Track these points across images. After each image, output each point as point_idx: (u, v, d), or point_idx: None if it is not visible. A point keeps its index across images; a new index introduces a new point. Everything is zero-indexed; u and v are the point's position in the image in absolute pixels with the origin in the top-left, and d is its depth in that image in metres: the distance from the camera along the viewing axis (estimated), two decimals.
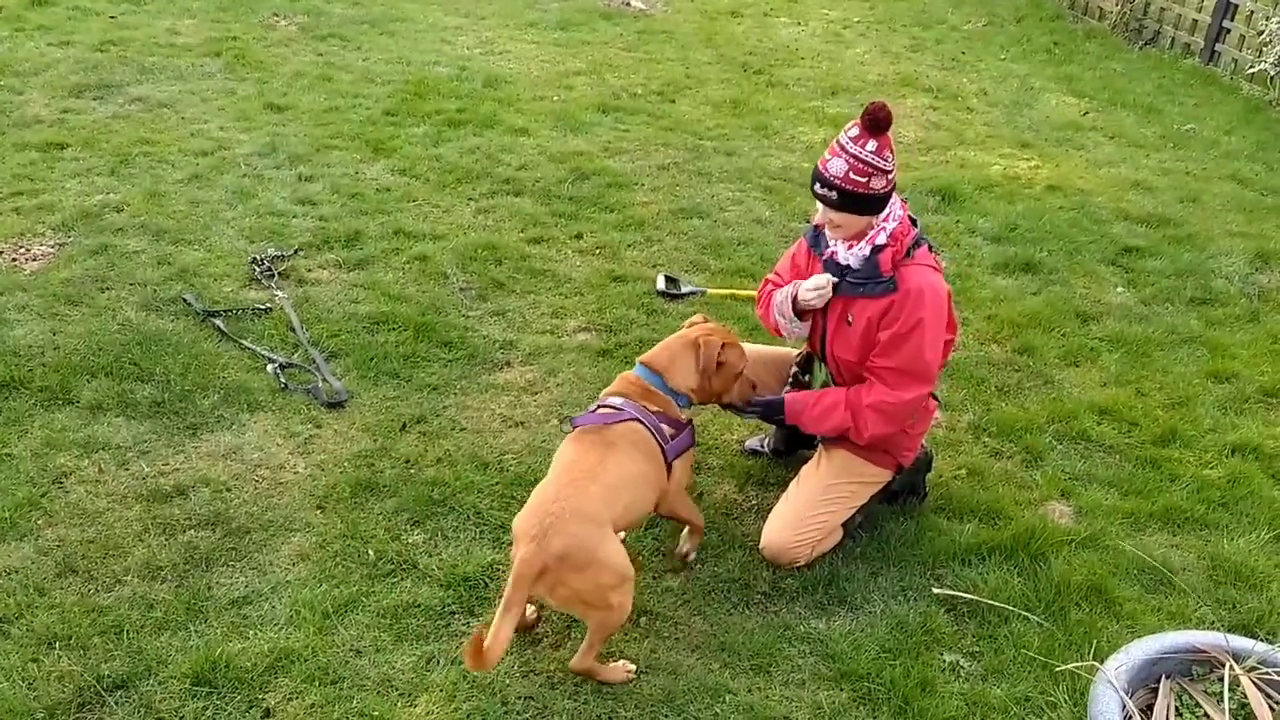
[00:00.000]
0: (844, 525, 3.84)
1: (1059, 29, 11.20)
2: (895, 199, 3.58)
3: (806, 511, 3.74)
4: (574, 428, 3.47)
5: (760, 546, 3.77)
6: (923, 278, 3.53)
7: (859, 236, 3.56)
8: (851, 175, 3.42)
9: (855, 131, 3.43)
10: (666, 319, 5.22)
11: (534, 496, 3.27)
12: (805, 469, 3.91)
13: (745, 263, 5.82)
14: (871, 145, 3.41)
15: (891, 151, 3.45)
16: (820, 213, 3.60)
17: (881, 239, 3.54)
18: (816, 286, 3.66)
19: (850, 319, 3.64)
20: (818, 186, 3.52)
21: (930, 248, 3.64)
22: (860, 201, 3.47)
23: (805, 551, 3.73)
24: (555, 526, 3.08)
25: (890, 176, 3.47)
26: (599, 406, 3.55)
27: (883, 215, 3.54)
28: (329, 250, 5.65)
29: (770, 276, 3.98)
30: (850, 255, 3.58)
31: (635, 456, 3.40)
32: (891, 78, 9.27)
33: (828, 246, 3.69)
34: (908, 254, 3.53)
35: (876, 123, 3.41)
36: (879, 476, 3.84)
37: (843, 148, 3.44)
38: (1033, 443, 4.51)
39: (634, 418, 3.47)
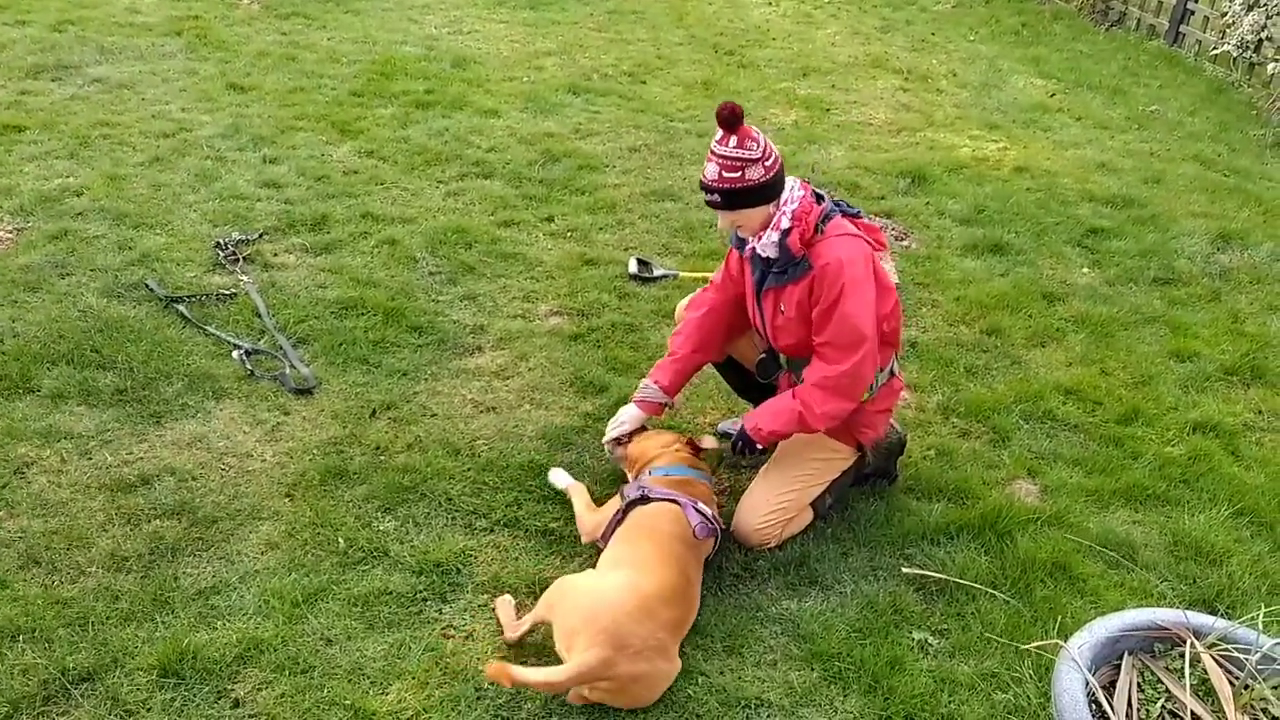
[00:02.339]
0: (814, 507, 3.87)
1: (1027, 10, 11.24)
2: (792, 182, 3.61)
3: (773, 493, 3.77)
4: (699, 534, 3.49)
5: (730, 530, 3.78)
6: (835, 250, 3.53)
7: (765, 226, 3.59)
8: (723, 174, 3.49)
9: (719, 134, 3.50)
10: (638, 302, 5.21)
11: (628, 586, 3.19)
12: (768, 464, 3.94)
13: (717, 245, 5.81)
14: (732, 141, 3.46)
15: (755, 140, 3.48)
16: (719, 220, 3.66)
17: (785, 223, 3.56)
18: (616, 422, 3.90)
19: (783, 308, 3.66)
20: (704, 195, 3.59)
21: (849, 214, 3.65)
22: (743, 195, 3.51)
23: (774, 533, 3.76)
24: (644, 656, 3.07)
25: (766, 163, 3.49)
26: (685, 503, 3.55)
27: (781, 200, 3.57)
28: (295, 234, 5.60)
29: (712, 282, 3.99)
30: (763, 246, 3.60)
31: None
32: (862, 59, 9.27)
33: (747, 244, 3.70)
34: (816, 230, 3.54)
35: (727, 120, 3.46)
36: (840, 452, 3.85)
37: (711, 152, 3.52)
38: (1000, 423, 4.54)
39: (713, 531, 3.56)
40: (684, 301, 4.18)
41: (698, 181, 3.78)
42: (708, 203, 3.60)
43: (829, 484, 3.87)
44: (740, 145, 3.46)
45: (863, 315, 3.52)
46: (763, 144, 3.49)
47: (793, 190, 3.59)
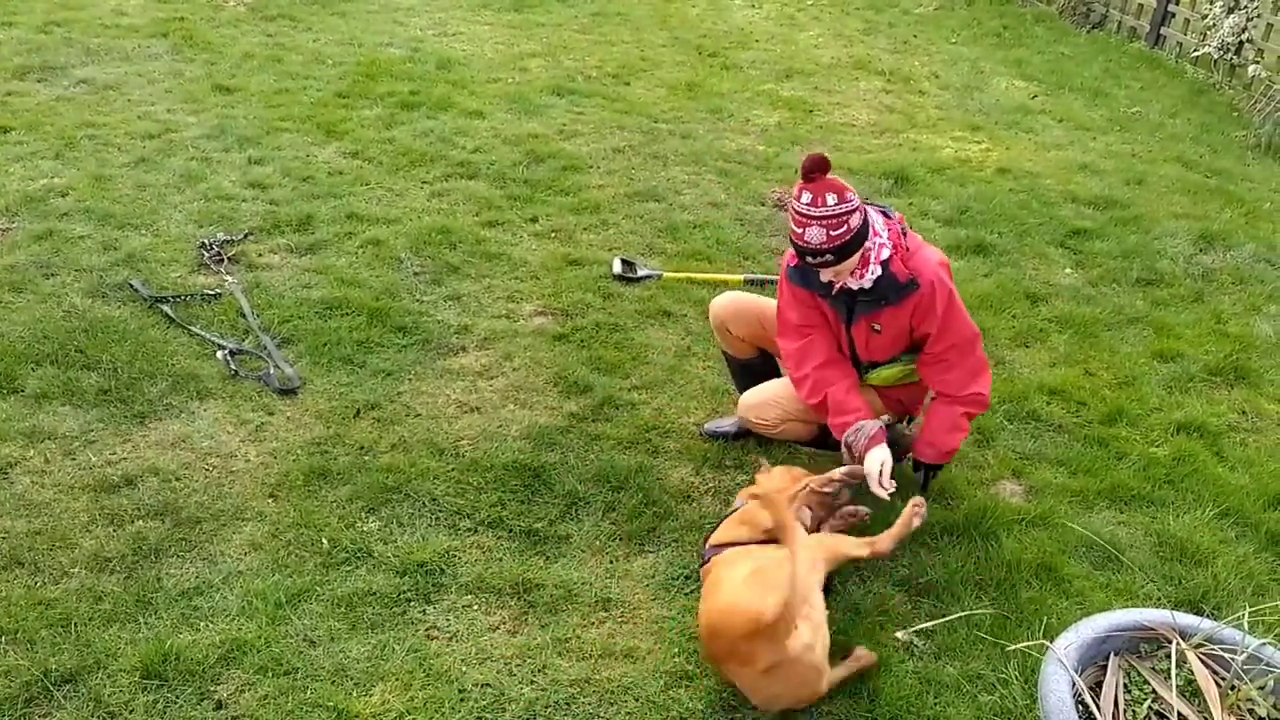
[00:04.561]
0: (820, 428, 3.91)
1: (1008, 13, 11.29)
2: (868, 210, 3.56)
3: (786, 391, 3.89)
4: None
5: (739, 403, 3.99)
6: (926, 259, 3.59)
7: (863, 264, 3.54)
8: (831, 234, 3.40)
9: (808, 196, 3.39)
10: (623, 302, 5.21)
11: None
12: None
13: (701, 246, 5.82)
14: (831, 199, 3.37)
15: (844, 185, 3.42)
16: (824, 274, 3.56)
17: (885, 253, 3.53)
18: (879, 467, 3.65)
19: (878, 328, 3.66)
20: (810, 259, 3.48)
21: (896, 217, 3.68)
22: (852, 245, 3.46)
23: (775, 414, 3.94)
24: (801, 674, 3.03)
25: (859, 205, 3.44)
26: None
27: (871, 234, 3.53)
28: (280, 234, 5.59)
29: (796, 336, 3.80)
30: (863, 282, 3.56)
31: None
32: (844, 60, 9.30)
33: (818, 278, 3.62)
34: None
35: (817, 169, 3.37)
36: (875, 404, 3.89)
37: (807, 216, 3.40)
38: (984, 423, 4.55)
39: None
40: (722, 312, 4.13)
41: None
42: (813, 265, 3.50)
43: None
44: (840, 199, 3.38)
45: (966, 314, 3.67)
46: (849, 186, 3.43)
47: (874, 220, 3.55)
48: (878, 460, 3.62)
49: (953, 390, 3.73)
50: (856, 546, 3.41)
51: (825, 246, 3.42)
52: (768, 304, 4.10)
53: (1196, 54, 9.56)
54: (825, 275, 3.58)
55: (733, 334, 4.14)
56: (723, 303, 4.16)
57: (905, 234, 3.61)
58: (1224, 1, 9.32)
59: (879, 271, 3.54)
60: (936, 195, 6.66)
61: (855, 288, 3.59)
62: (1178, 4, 9.95)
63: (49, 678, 3.08)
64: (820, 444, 4.05)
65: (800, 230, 3.44)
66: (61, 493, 3.78)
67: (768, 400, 3.96)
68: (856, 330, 3.72)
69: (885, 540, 3.38)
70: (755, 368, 4.19)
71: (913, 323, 3.63)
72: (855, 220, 3.43)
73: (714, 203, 6.36)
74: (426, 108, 7.31)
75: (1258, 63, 9.01)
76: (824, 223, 3.39)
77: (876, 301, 3.60)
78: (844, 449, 3.73)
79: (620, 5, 10.30)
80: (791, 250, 3.66)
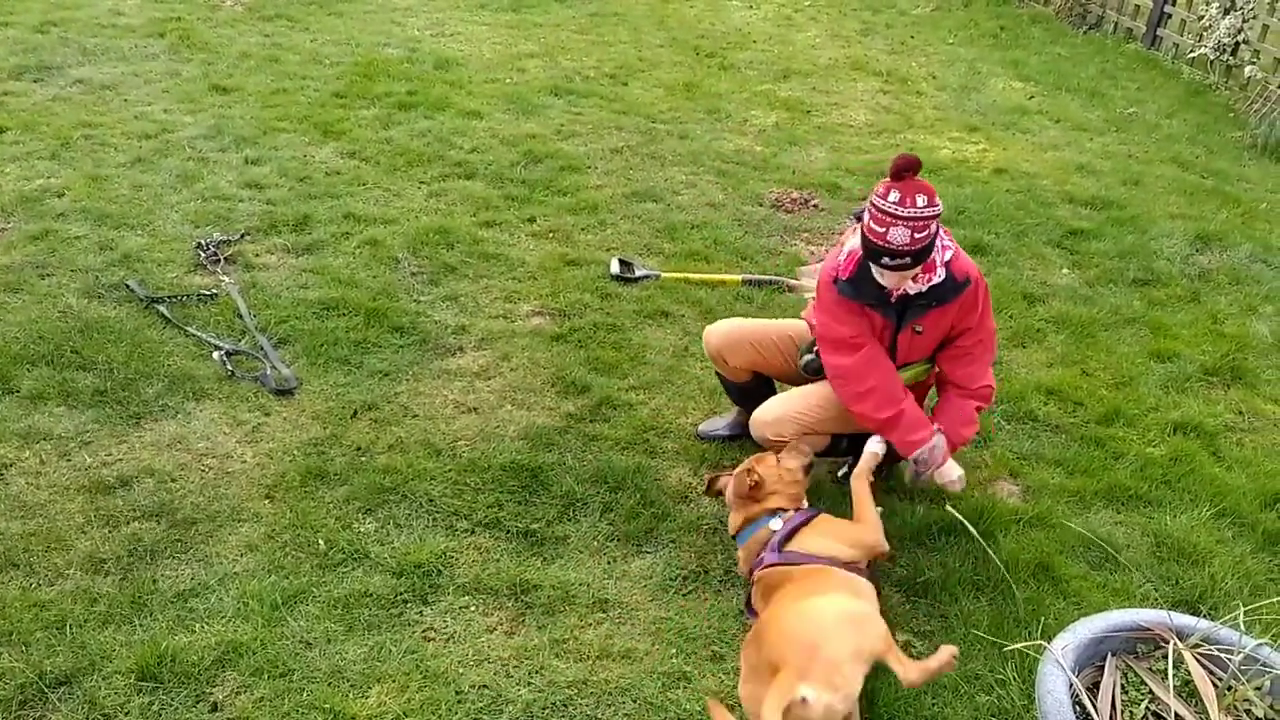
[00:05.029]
0: (833, 437, 3.90)
1: (1005, 14, 11.29)
2: None
3: (811, 400, 3.82)
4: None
5: (752, 419, 3.89)
6: (966, 256, 3.60)
7: (928, 268, 3.48)
8: (916, 235, 3.30)
9: (896, 195, 3.27)
10: (620, 303, 5.21)
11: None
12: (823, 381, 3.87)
13: (699, 246, 5.81)
14: (921, 200, 3.27)
15: (932, 187, 3.33)
16: (889, 278, 3.45)
17: (948, 254, 3.49)
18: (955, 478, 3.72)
19: (920, 329, 3.62)
20: (887, 260, 3.36)
21: None
22: (929, 249, 3.39)
23: (793, 429, 3.76)
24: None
25: (941, 208, 3.37)
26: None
27: (940, 236, 3.49)
28: (277, 235, 5.58)
29: (850, 350, 3.62)
30: (921, 286, 3.50)
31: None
32: (842, 61, 9.29)
33: (872, 286, 3.54)
34: None
35: (910, 169, 3.28)
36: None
37: (894, 216, 3.28)
38: (982, 423, 4.52)
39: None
40: (717, 341, 4.08)
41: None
42: (888, 266, 3.38)
43: (850, 429, 3.86)
44: (930, 202, 3.28)
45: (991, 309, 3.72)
46: (934, 189, 3.35)
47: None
48: (957, 473, 3.70)
49: (968, 384, 3.72)
50: (895, 658, 2.92)
51: (908, 248, 3.31)
52: (761, 329, 4.06)
53: (1193, 55, 9.56)
54: (891, 280, 3.46)
55: (729, 364, 4.09)
56: (718, 333, 4.09)
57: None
58: (1220, 2, 9.32)
59: (944, 275, 3.48)
60: None
61: (913, 292, 3.52)
62: (1174, 5, 9.96)
63: (44, 680, 3.08)
64: (829, 452, 4.01)
65: (882, 230, 3.31)
66: (57, 494, 3.78)
67: (784, 417, 3.80)
68: (902, 336, 3.65)
69: (915, 670, 2.85)
70: (750, 390, 4.14)
71: (955, 320, 3.62)
72: (935, 226, 3.37)
73: (712, 203, 6.36)
74: (424, 108, 7.30)
75: (1254, 63, 9.01)
76: (910, 224, 3.28)
77: (929, 304, 3.54)
78: (913, 463, 3.68)
79: (618, 5, 10.30)
80: (830, 264, 3.61)
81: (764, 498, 3.49)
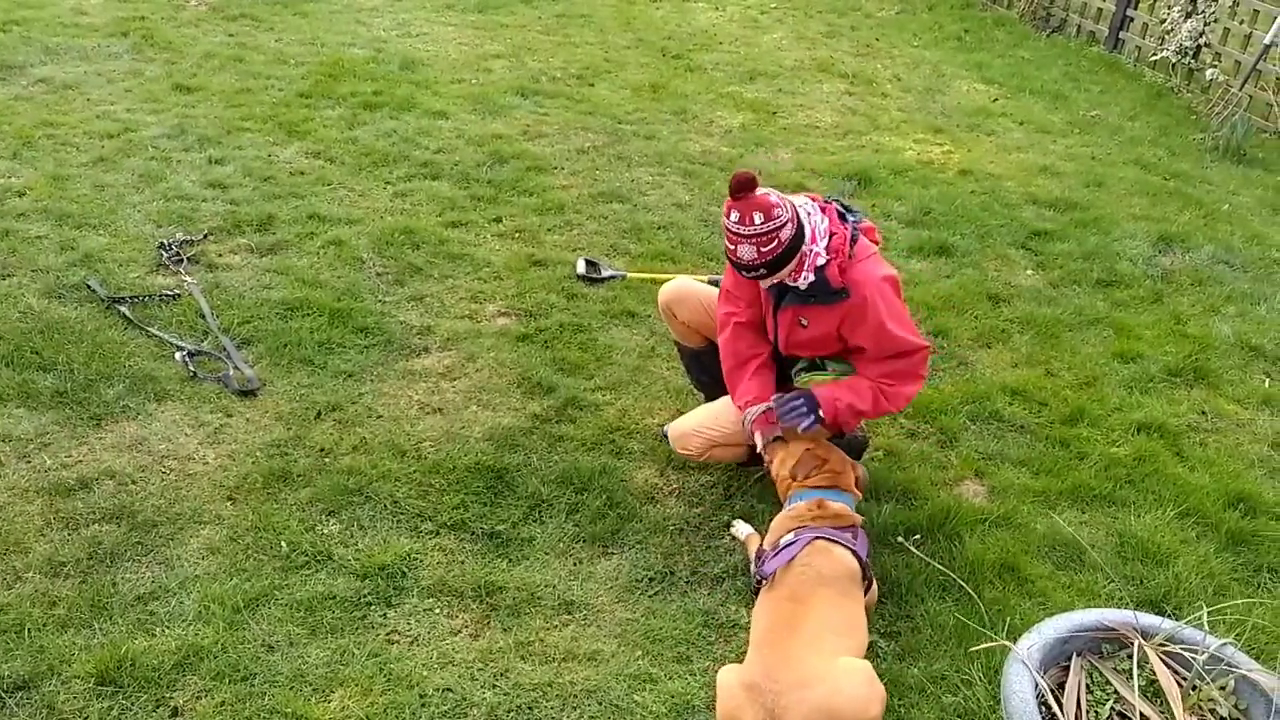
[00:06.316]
0: (752, 449, 3.88)
1: (969, 16, 11.35)
2: (811, 214, 3.54)
3: (723, 413, 3.86)
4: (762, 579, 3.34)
5: (668, 429, 3.97)
6: (867, 272, 3.55)
7: (800, 268, 3.52)
8: (762, 250, 3.39)
9: (736, 215, 3.37)
10: (586, 303, 5.19)
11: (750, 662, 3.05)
12: None
13: (665, 247, 5.80)
14: (758, 218, 3.35)
15: (774, 201, 3.39)
16: (764, 282, 3.58)
17: (821, 260, 3.51)
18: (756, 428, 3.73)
19: (804, 322, 3.64)
20: (746, 274, 3.50)
21: (862, 226, 3.64)
22: (785, 256, 3.44)
23: (698, 443, 3.85)
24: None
25: (790, 216, 3.42)
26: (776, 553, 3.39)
27: (808, 240, 3.50)
28: (240, 235, 5.52)
29: (729, 309, 3.83)
30: (799, 283, 3.54)
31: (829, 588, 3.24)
32: (808, 63, 9.32)
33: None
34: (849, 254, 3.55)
35: (744, 188, 3.35)
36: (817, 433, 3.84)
37: (738, 235, 3.39)
38: (948, 423, 4.57)
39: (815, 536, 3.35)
40: (666, 296, 4.13)
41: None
42: (751, 278, 3.53)
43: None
44: (767, 217, 3.35)
45: (906, 325, 3.61)
46: (778, 202, 3.40)
47: (817, 226, 3.52)
48: (755, 433, 3.74)
49: (881, 379, 3.66)
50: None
51: (758, 262, 3.43)
52: (710, 293, 4.09)
53: (1155, 58, 9.65)
54: (764, 285, 3.60)
55: (678, 319, 4.11)
56: (670, 288, 4.15)
57: (854, 241, 3.56)
58: (1182, 6, 9.42)
59: (812, 278, 3.53)
60: (899, 197, 6.68)
61: (792, 284, 3.57)
62: (1136, 9, 10.05)
63: (2, 684, 3.03)
64: (751, 463, 4.02)
65: (733, 247, 3.44)
66: (15, 496, 3.72)
67: (688, 431, 3.90)
68: (783, 316, 3.68)
69: None
70: (705, 359, 4.14)
71: (841, 331, 3.60)
72: (786, 233, 3.40)
73: (678, 204, 6.35)
74: (390, 108, 7.25)
75: (1215, 66, 9.11)
76: (754, 241, 3.38)
77: (807, 296, 3.57)
78: (745, 423, 3.77)
79: (584, 7, 10.28)
80: None
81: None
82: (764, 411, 3.72)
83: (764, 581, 3.32)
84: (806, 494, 3.56)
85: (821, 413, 3.63)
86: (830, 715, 2.85)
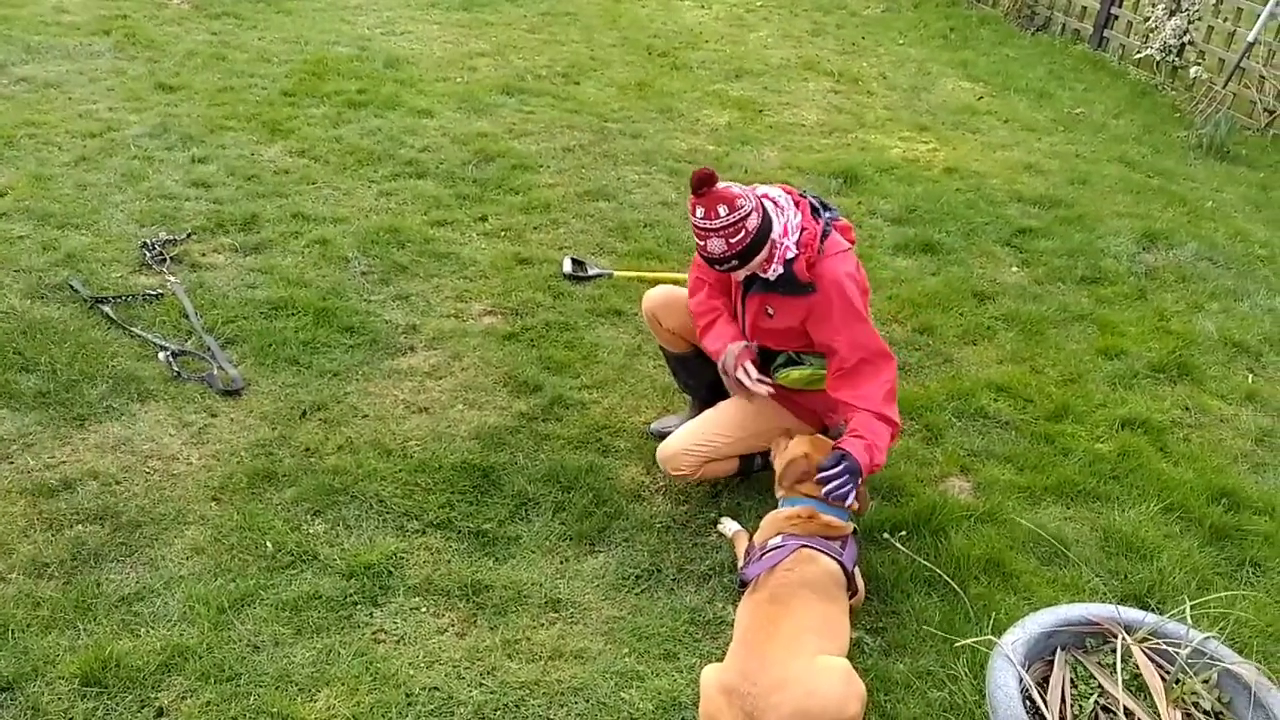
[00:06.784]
0: (743, 463, 3.91)
1: (954, 15, 11.38)
2: (783, 207, 3.55)
3: (710, 429, 3.84)
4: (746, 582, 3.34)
5: (656, 453, 3.89)
6: (834, 268, 3.55)
7: (769, 260, 3.54)
8: (730, 242, 3.43)
9: (701, 211, 3.41)
10: (573, 302, 5.19)
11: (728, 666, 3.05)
12: (729, 400, 3.93)
13: (652, 245, 5.81)
14: (723, 210, 3.38)
15: (736, 193, 3.41)
16: (736, 274, 3.61)
17: (791, 254, 3.52)
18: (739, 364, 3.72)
19: (771, 311, 3.66)
20: (718, 268, 3.55)
21: (837, 224, 3.65)
22: (754, 246, 3.47)
23: (691, 462, 3.81)
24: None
25: (754, 206, 3.44)
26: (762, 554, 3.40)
27: (779, 232, 3.52)
28: (224, 234, 5.50)
29: (700, 274, 3.89)
30: (768, 275, 3.57)
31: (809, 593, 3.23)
32: (793, 61, 9.33)
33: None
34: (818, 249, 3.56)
35: (704, 184, 3.38)
36: (801, 430, 3.84)
37: (706, 229, 3.43)
38: (933, 420, 4.58)
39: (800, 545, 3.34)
40: (651, 304, 4.13)
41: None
42: (723, 271, 3.57)
43: (759, 446, 3.90)
44: (731, 209, 3.39)
45: (875, 333, 3.62)
46: (741, 193, 3.43)
47: (788, 219, 3.54)
48: (733, 356, 3.72)
49: (860, 403, 3.57)
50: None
51: (728, 254, 3.46)
52: None
53: (1139, 56, 9.70)
54: (737, 276, 3.63)
55: (663, 326, 4.11)
56: (654, 295, 4.15)
57: (825, 237, 3.57)
58: (1166, 4, 9.46)
59: (781, 270, 3.55)
60: (885, 194, 6.70)
61: (763, 275, 3.59)
62: (1120, 7, 10.09)
63: None
64: (743, 473, 4.04)
65: (703, 243, 3.48)
66: None
67: (679, 451, 3.84)
68: (750, 301, 3.71)
69: None
70: (692, 364, 4.14)
71: (806, 325, 3.61)
72: (753, 223, 3.43)
73: (665, 202, 6.35)
74: (374, 106, 7.24)
75: (1199, 64, 9.16)
76: (721, 234, 3.42)
77: (773, 286, 3.60)
78: (722, 375, 3.80)
79: (569, 5, 10.27)
80: None
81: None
82: (744, 348, 3.74)
83: (747, 584, 3.32)
84: (799, 501, 3.54)
85: (863, 474, 3.55)
86: (808, 716, 2.85)
